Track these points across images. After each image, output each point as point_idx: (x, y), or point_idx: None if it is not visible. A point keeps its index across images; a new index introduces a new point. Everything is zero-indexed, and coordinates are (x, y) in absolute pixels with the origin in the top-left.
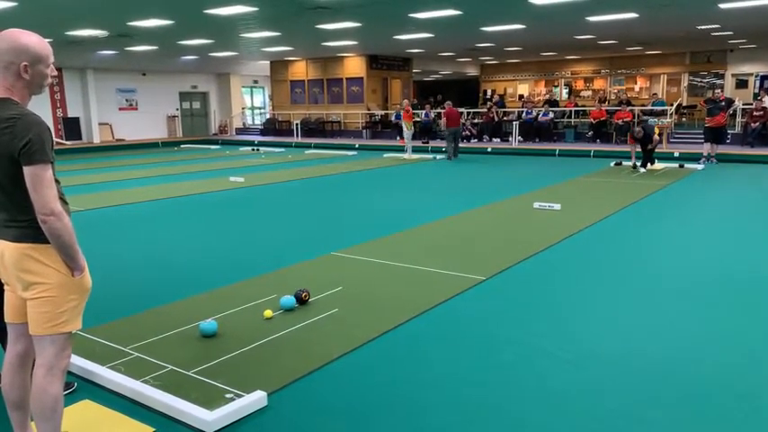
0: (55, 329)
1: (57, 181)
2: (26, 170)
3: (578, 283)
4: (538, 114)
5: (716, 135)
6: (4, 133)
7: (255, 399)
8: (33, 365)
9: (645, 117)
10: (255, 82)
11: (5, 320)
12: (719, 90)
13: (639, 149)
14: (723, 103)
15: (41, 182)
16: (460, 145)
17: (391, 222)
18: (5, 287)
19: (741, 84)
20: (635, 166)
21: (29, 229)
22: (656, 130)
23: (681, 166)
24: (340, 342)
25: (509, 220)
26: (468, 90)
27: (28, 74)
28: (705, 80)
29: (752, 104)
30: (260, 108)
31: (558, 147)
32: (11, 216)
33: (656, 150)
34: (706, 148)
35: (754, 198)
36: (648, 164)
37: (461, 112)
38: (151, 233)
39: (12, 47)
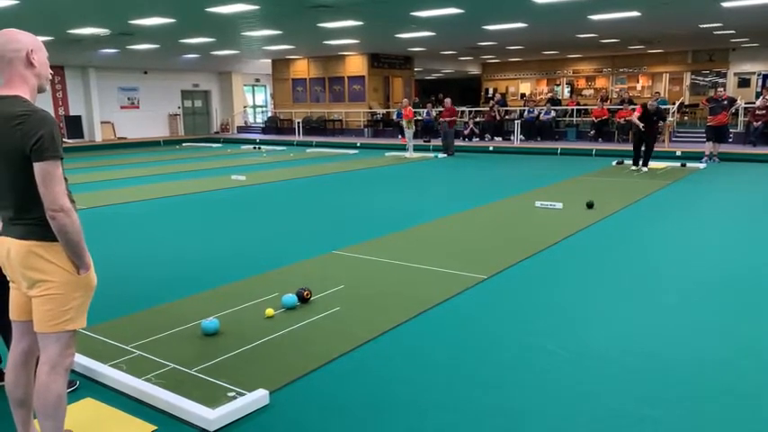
0: (59, 327)
1: (64, 179)
2: (37, 166)
3: (579, 282)
4: (540, 113)
5: (718, 134)
6: (16, 130)
7: (257, 397)
8: (37, 363)
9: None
10: (257, 80)
11: (11, 318)
12: (722, 89)
13: (638, 142)
14: (725, 102)
15: (52, 178)
16: (461, 143)
17: (393, 221)
18: (11, 285)
19: (743, 82)
20: (636, 162)
21: (35, 226)
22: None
23: (683, 165)
24: (341, 341)
25: (510, 218)
26: (470, 89)
27: (35, 60)
28: (707, 79)
29: (754, 103)
30: (261, 106)
31: (559, 145)
32: (18, 214)
33: (658, 149)
34: (708, 147)
35: (756, 197)
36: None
37: (462, 111)
38: (152, 231)
39: (11, 38)
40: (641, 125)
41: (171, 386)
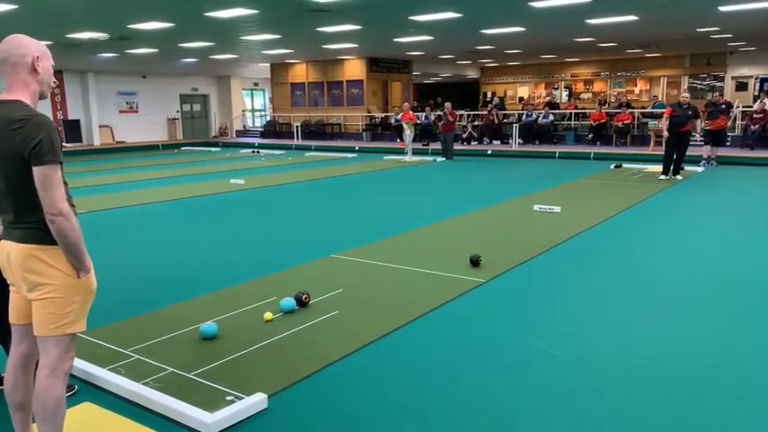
0: (59, 330)
1: (64, 183)
2: (36, 170)
3: (578, 286)
4: (538, 117)
5: (716, 138)
6: (15, 134)
7: (256, 401)
8: (36, 367)
9: (645, 119)
10: (256, 84)
11: (10, 321)
12: (718, 93)
13: (665, 144)
14: (723, 106)
15: (51, 182)
16: (459, 147)
17: (391, 224)
18: (11, 288)
19: (741, 86)
20: (666, 172)
21: (35, 230)
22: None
23: (681, 169)
24: (340, 344)
25: (509, 222)
26: (469, 92)
27: (40, 67)
28: (705, 82)
29: (752, 107)
30: (260, 110)
31: (558, 149)
32: (17, 217)
33: (656, 152)
34: (706, 151)
35: (753, 200)
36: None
37: (461, 114)
38: (151, 235)
39: (19, 44)
40: (666, 134)
41: (169, 390)
